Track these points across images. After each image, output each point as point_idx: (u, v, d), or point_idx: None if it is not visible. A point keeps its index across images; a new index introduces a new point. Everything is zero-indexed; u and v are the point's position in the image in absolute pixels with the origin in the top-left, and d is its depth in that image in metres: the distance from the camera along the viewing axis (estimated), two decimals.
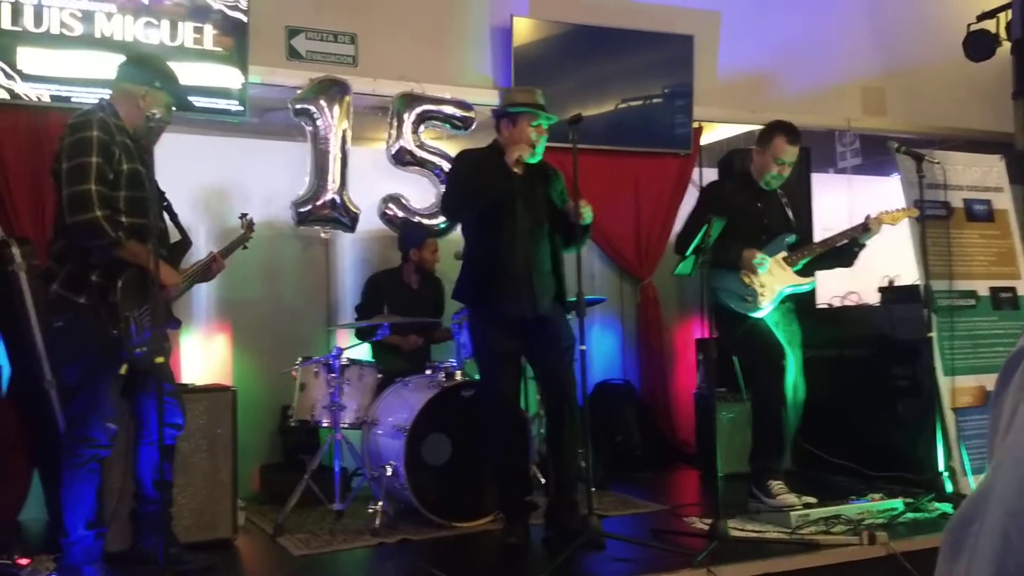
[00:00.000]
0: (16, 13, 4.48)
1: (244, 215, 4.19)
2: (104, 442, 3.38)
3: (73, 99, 4.59)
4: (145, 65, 3.59)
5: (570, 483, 3.99)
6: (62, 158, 3.31)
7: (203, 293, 5.22)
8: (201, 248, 3.96)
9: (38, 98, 4.54)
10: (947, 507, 4.24)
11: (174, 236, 3.72)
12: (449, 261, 5.25)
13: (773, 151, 4.41)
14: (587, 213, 3.85)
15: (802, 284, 4.47)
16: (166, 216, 3.66)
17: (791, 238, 4.48)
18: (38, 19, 4.53)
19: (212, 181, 5.29)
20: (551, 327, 3.93)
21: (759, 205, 4.49)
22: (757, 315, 4.33)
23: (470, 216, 4.03)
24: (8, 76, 4.47)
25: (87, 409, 3.35)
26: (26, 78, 4.50)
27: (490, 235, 3.90)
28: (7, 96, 4.44)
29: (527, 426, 4.30)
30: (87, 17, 4.63)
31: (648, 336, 6.13)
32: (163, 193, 3.65)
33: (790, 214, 4.57)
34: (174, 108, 3.58)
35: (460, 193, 3.98)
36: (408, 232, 5.37)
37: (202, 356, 5.19)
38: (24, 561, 3.30)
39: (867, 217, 4.46)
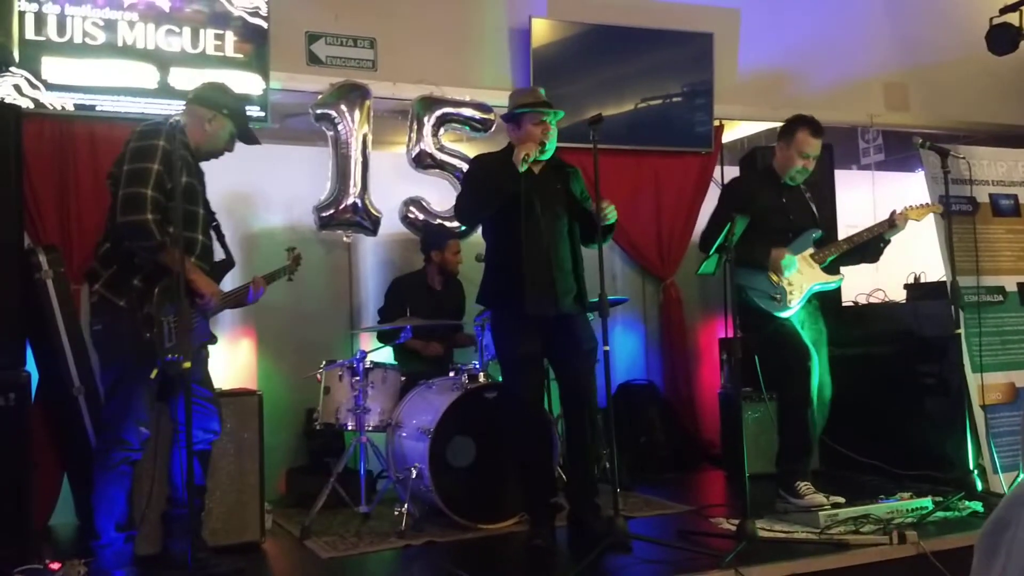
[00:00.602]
0: (40, 23, 4.53)
1: (292, 248, 4.31)
2: (136, 445, 3.42)
3: (97, 108, 4.64)
4: (220, 92, 3.71)
5: (589, 487, 3.97)
6: (124, 161, 3.40)
7: None
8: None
9: (62, 107, 4.58)
10: (977, 505, 4.21)
11: (218, 255, 3.78)
12: (471, 263, 5.26)
13: (797, 145, 4.39)
14: (611, 213, 3.85)
15: (830, 282, 4.44)
16: (213, 235, 3.72)
17: (817, 234, 4.45)
18: (61, 29, 4.58)
19: (234, 187, 5.30)
20: (573, 328, 3.92)
21: (784, 201, 4.46)
22: (785, 314, 4.30)
23: (482, 219, 4.04)
24: (33, 86, 4.52)
25: (121, 412, 3.40)
26: (50, 87, 4.55)
27: (509, 236, 3.89)
28: (32, 105, 4.48)
29: (551, 428, 4.29)
30: (109, 26, 4.67)
31: (671, 336, 6.10)
32: (214, 213, 3.73)
33: (815, 209, 4.54)
34: (237, 139, 3.71)
35: (470, 197, 3.99)
36: (430, 234, 5.38)
37: (227, 361, 5.21)
38: (55, 565, 3.33)
39: (893, 213, 4.44)
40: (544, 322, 3.87)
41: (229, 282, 3.96)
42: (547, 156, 3.91)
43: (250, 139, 3.77)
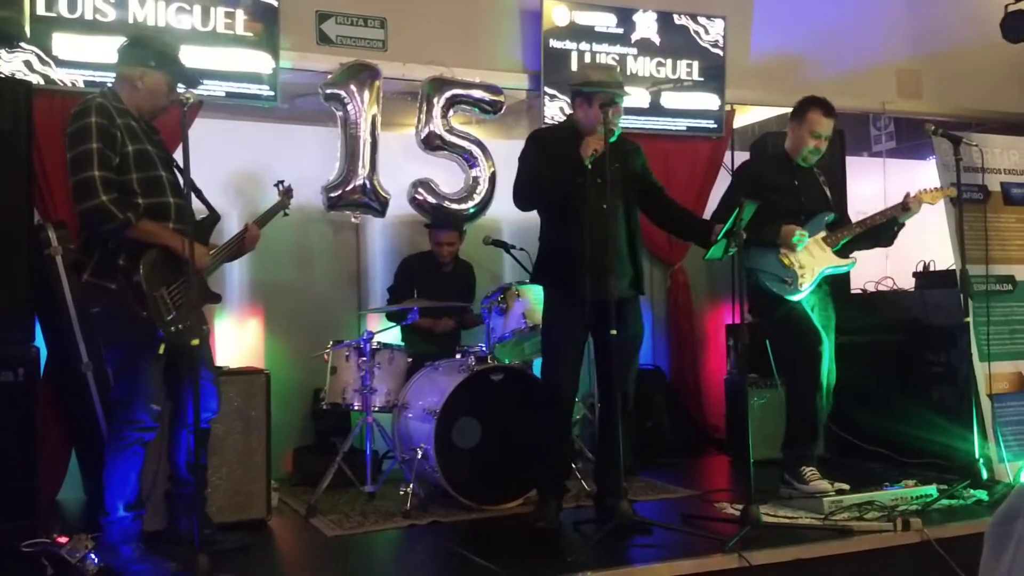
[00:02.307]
0: None
1: (280, 182, 4.14)
2: (149, 424, 3.39)
3: (108, 84, 4.62)
4: (141, 46, 3.55)
5: (616, 471, 3.80)
6: (66, 149, 3.31)
7: (235, 277, 5.27)
8: (233, 231, 4.00)
9: (73, 83, 4.58)
10: (982, 494, 4.21)
11: (200, 212, 3.64)
12: (478, 246, 5.26)
13: (809, 125, 4.37)
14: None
15: (842, 265, 4.42)
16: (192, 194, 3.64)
17: (830, 217, 4.43)
18: (72, 5, 4.57)
19: (243, 167, 5.32)
20: (625, 313, 3.84)
21: (796, 183, 4.44)
22: (796, 298, 4.28)
23: (542, 206, 3.95)
24: (43, 62, 4.52)
25: (130, 391, 3.38)
26: (61, 64, 4.55)
27: (567, 218, 3.81)
28: (42, 82, 4.48)
29: None
30: (120, 3, 4.66)
31: (678, 321, 6.10)
32: (181, 170, 3.56)
33: (828, 192, 4.51)
34: (179, 86, 3.54)
35: (531, 184, 3.86)
36: (433, 218, 5.38)
37: (235, 339, 5.24)
38: (63, 539, 3.36)
39: (906, 195, 4.42)
40: (597, 305, 3.72)
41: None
42: (613, 139, 3.77)
43: (190, 80, 3.61)
